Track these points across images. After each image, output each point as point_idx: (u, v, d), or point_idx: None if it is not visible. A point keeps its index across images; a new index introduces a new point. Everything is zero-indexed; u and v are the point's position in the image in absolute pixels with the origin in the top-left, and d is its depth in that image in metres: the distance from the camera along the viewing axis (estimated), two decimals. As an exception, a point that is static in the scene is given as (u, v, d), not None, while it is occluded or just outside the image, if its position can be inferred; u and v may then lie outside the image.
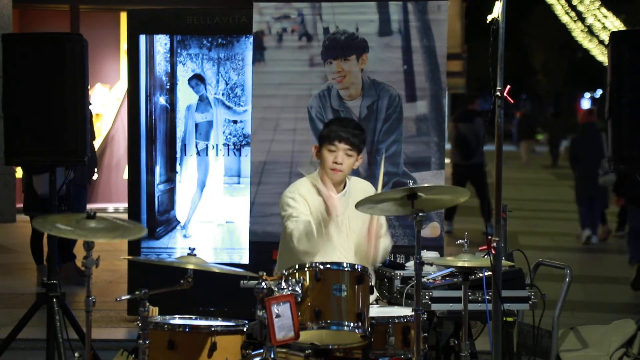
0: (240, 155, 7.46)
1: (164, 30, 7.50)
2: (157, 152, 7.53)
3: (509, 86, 4.58)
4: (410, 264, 5.30)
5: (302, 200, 5.11)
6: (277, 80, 6.78)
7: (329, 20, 6.73)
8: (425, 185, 4.43)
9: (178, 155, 7.53)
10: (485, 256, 4.59)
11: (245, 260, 7.16)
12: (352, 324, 4.37)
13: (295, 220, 5.03)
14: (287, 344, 4.26)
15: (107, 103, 15.73)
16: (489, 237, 4.55)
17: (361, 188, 5.26)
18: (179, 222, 7.56)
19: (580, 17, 29.88)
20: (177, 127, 7.53)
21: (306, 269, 4.43)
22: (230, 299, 6.93)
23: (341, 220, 5.12)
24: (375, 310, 4.72)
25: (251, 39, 6.96)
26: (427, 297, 4.98)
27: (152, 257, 7.33)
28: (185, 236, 7.55)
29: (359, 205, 4.60)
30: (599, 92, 53.58)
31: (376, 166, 6.59)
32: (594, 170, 12.84)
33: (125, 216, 7.39)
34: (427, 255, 5.17)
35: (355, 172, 6.40)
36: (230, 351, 4.26)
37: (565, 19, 30.96)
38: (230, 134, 7.48)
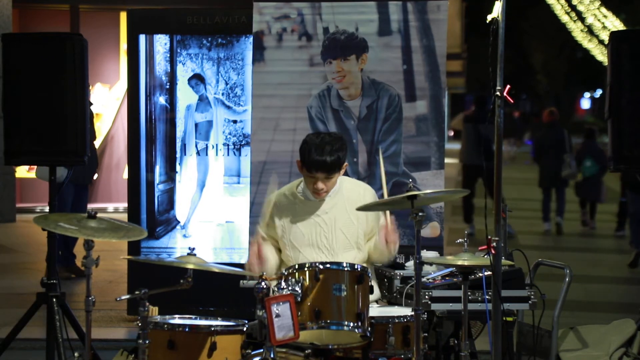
0: (240, 155, 7.46)
1: (164, 30, 7.50)
2: (157, 151, 7.53)
3: (508, 86, 4.58)
4: (410, 264, 5.30)
5: (264, 219, 5.11)
6: (277, 80, 6.77)
7: (329, 20, 6.72)
8: (427, 191, 4.42)
9: (178, 155, 7.53)
10: (485, 256, 4.59)
11: (245, 260, 7.14)
12: (352, 324, 4.37)
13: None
14: (287, 343, 4.26)
15: (107, 103, 15.73)
16: (489, 237, 4.55)
17: (356, 191, 5.15)
18: (179, 222, 7.56)
19: (580, 17, 29.90)
20: (177, 127, 7.52)
21: (306, 269, 4.43)
22: (230, 299, 6.93)
23: (326, 218, 5.06)
24: (375, 310, 4.71)
25: (251, 39, 6.95)
26: (427, 297, 4.98)
27: (152, 257, 7.32)
28: (185, 236, 7.55)
29: (359, 210, 4.66)
30: (599, 92, 53.60)
31: (376, 166, 6.59)
32: (556, 165, 14.24)
33: (125, 216, 7.41)
34: (427, 255, 5.17)
35: (355, 172, 6.41)
36: (230, 351, 4.26)
37: (565, 18, 30.98)
38: (230, 133, 7.48)
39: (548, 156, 14.43)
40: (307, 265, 4.44)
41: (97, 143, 12.16)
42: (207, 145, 7.49)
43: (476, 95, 16.07)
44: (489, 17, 4.58)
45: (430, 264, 4.93)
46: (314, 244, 5.02)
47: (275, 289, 4.41)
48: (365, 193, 5.18)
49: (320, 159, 4.91)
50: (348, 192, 5.12)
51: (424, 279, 5.00)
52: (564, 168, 14.23)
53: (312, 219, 5.05)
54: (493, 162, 4.56)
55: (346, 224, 5.06)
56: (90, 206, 10.82)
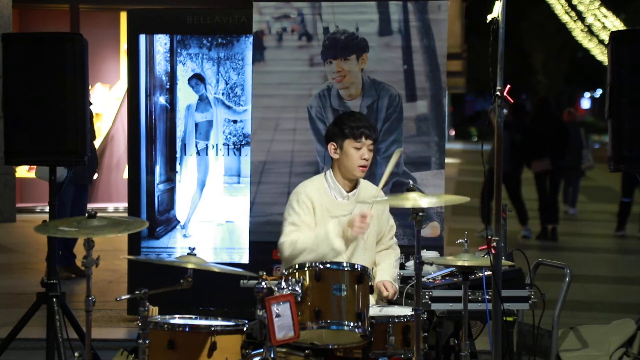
0: (240, 155, 7.46)
1: (164, 30, 7.50)
2: (157, 151, 7.54)
3: (508, 86, 4.58)
4: (410, 264, 5.30)
5: (305, 206, 5.10)
6: (277, 80, 6.77)
7: (329, 20, 6.72)
8: (427, 194, 4.44)
9: (178, 155, 7.53)
10: (485, 256, 4.59)
11: (245, 260, 7.15)
12: (352, 324, 4.37)
13: (294, 231, 5.07)
14: (287, 343, 4.26)
15: (107, 103, 15.73)
16: (489, 237, 4.55)
17: (369, 192, 5.22)
18: (179, 222, 7.56)
19: (580, 16, 29.91)
20: (177, 127, 7.53)
21: (306, 269, 4.43)
22: (230, 299, 6.93)
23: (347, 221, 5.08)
24: (375, 310, 4.72)
25: (251, 39, 6.96)
26: (427, 296, 4.98)
27: (152, 257, 7.33)
28: (185, 236, 7.55)
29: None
30: (599, 92, 53.58)
31: (376, 166, 6.59)
32: (575, 159, 15.48)
33: (125, 216, 7.41)
34: (427, 254, 5.17)
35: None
36: (230, 351, 4.26)
37: (565, 18, 30.99)
38: (230, 133, 7.48)
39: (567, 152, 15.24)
40: (307, 265, 4.45)
41: (97, 143, 12.17)
42: (207, 145, 7.49)
43: (516, 103, 16.00)
44: (489, 17, 4.58)
45: (431, 263, 4.93)
46: (338, 248, 5.02)
47: (276, 288, 4.40)
48: (378, 194, 5.23)
49: (367, 124, 5.14)
50: (363, 193, 5.21)
51: (424, 279, 5.00)
52: (583, 162, 15.88)
53: (339, 219, 5.07)
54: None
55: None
56: (90, 206, 10.82)
